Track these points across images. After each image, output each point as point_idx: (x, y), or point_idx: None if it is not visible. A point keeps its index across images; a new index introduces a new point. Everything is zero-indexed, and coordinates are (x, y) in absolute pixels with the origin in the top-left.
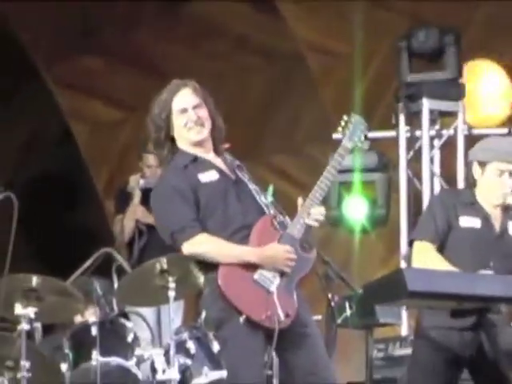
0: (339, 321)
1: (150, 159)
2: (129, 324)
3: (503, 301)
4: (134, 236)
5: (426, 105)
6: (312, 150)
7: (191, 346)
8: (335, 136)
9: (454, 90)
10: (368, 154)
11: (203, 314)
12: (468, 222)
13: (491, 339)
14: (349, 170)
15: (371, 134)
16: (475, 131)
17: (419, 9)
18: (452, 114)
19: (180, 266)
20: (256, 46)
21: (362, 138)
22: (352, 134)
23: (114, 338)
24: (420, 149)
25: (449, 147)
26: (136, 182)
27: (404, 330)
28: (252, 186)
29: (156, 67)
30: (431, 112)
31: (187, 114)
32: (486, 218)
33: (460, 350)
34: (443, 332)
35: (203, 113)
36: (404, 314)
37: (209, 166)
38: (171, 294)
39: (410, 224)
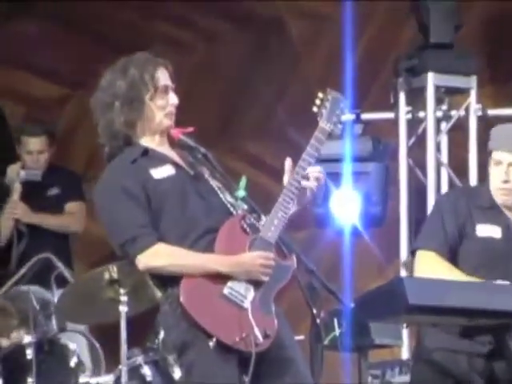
0: (326, 342)
1: (31, 143)
2: (72, 345)
3: None
4: (12, 238)
5: (432, 80)
6: (293, 135)
7: (147, 371)
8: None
9: (465, 62)
10: (361, 140)
11: (161, 334)
12: (486, 230)
13: (509, 367)
14: (337, 159)
15: (365, 116)
16: (491, 112)
17: None
18: (463, 92)
19: (133, 276)
20: (224, 8)
21: (341, 118)
22: (330, 114)
23: (54, 361)
24: (424, 133)
25: (459, 131)
26: (16, 174)
27: (404, 353)
28: (214, 183)
29: (104, 35)
30: (437, 89)
31: (169, 95)
32: (507, 226)
33: (468, 379)
34: (449, 355)
35: (175, 99)
36: (404, 333)
37: (162, 159)
38: (123, 308)
39: (411, 224)
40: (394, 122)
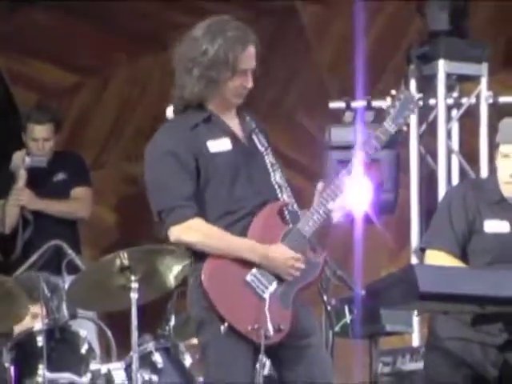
0: (337, 328)
1: (37, 131)
2: (82, 332)
3: None
4: (17, 226)
5: (443, 67)
6: (304, 121)
7: (158, 358)
8: (332, 105)
9: (476, 50)
10: (372, 127)
11: (172, 320)
12: (495, 226)
13: None
14: (348, 147)
15: (376, 103)
16: (502, 99)
17: None
18: (474, 79)
19: (144, 263)
20: None
21: (409, 120)
22: (397, 115)
23: (65, 349)
24: (435, 120)
25: (470, 119)
26: (21, 160)
27: (415, 340)
28: (269, 159)
29: (120, 24)
30: (448, 76)
31: (246, 78)
32: None
33: (483, 369)
34: (462, 344)
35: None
36: (415, 320)
37: (223, 130)
38: (134, 295)
39: (422, 212)
40: None
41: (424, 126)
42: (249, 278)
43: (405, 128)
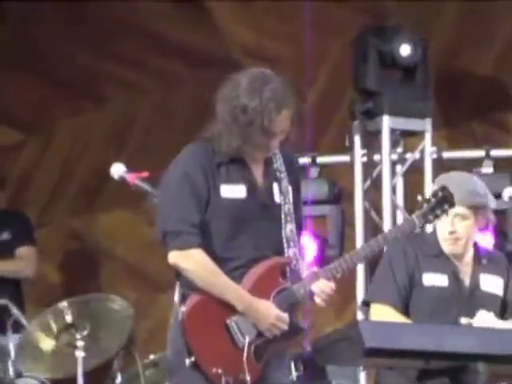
0: None
1: None
2: None
3: (481, 359)
4: None
5: (387, 123)
6: None
7: None
8: None
9: (420, 105)
10: (317, 183)
11: (118, 378)
12: (433, 280)
13: None
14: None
15: (320, 159)
16: (446, 154)
17: (378, 4)
18: (418, 134)
19: (88, 318)
20: (179, 49)
21: (438, 219)
22: (428, 212)
23: None
24: (379, 176)
25: (414, 174)
26: None
27: None
28: (285, 211)
29: (57, 77)
30: (393, 131)
31: (276, 138)
32: (454, 273)
33: None
34: None
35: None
36: (362, 375)
37: (243, 177)
38: (79, 353)
39: (368, 267)
40: (350, 165)
41: (369, 182)
42: (229, 322)
43: (430, 225)
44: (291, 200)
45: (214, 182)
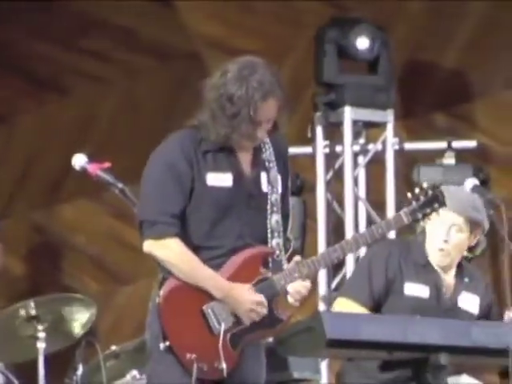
0: None
1: None
2: None
3: (443, 350)
4: None
5: (349, 114)
6: None
7: None
8: None
9: (382, 96)
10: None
11: (80, 369)
12: (414, 289)
13: None
14: None
15: None
16: (408, 146)
17: None
18: (380, 126)
19: (51, 312)
20: (144, 43)
21: (427, 217)
22: (417, 209)
23: None
24: (341, 167)
25: (376, 165)
26: None
27: None
28: (271, 201)
29: (25, 69)
30: (355, 123)
31: (260, 129)
32: (436, 286)
33: None
34: None
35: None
36: (323, 366)
37: (230, 165)
38: (41, 345)
39: None
40: (312, 157)
41: (331, 173)
42: (205, 308)
43: (422, 223)
44: (279, 191)
45: (200, 170)
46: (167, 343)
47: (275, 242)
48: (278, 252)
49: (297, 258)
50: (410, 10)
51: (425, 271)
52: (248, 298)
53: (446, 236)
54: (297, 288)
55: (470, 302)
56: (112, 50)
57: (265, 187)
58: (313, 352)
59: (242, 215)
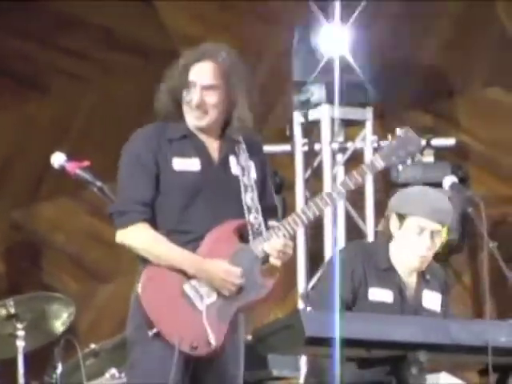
0: None
1: None
2: None
3: (422, 348)
4: None
5: (327, 112)
6: None
7: None
8: None
9: (361, 94)
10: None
11: (59, 368)
12: (378, 295)
13: None
14: None
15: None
16: (387, 143)
17: None
18: (359, 124)
19: (31, 310)
20: (123, 41)
21: (409, 161)
22: (389, 153)
23: None
24: (320, 165)
25: (355, 163)
26: None
27: None
28: (244, 182)
29: (4, 68)
30: (333, 121)
31: (195, 90)
32: (399, 290)
33: None
34: None
35: (212, 98)
36: (303, 364)
37: (196, 150)
38: (20, 343)
39: (308, 256)
40: (291, 155)
41: (309, 171)
42: (186, 287)
43: (399, 167)
44: (252, 175)
45: (166, 156)
46: (155, 330)
47: (252, 216)
48: (257, 226)
49: (272, 222)
50: (389, 7)
51: (387, 275)
52: (218, 270)
53: (430, 243)
54: (272, 245)
55: (432, 301)
56: (91, 49)
57: (235, 170)
58: (292, 350)
59: (213, 199)
